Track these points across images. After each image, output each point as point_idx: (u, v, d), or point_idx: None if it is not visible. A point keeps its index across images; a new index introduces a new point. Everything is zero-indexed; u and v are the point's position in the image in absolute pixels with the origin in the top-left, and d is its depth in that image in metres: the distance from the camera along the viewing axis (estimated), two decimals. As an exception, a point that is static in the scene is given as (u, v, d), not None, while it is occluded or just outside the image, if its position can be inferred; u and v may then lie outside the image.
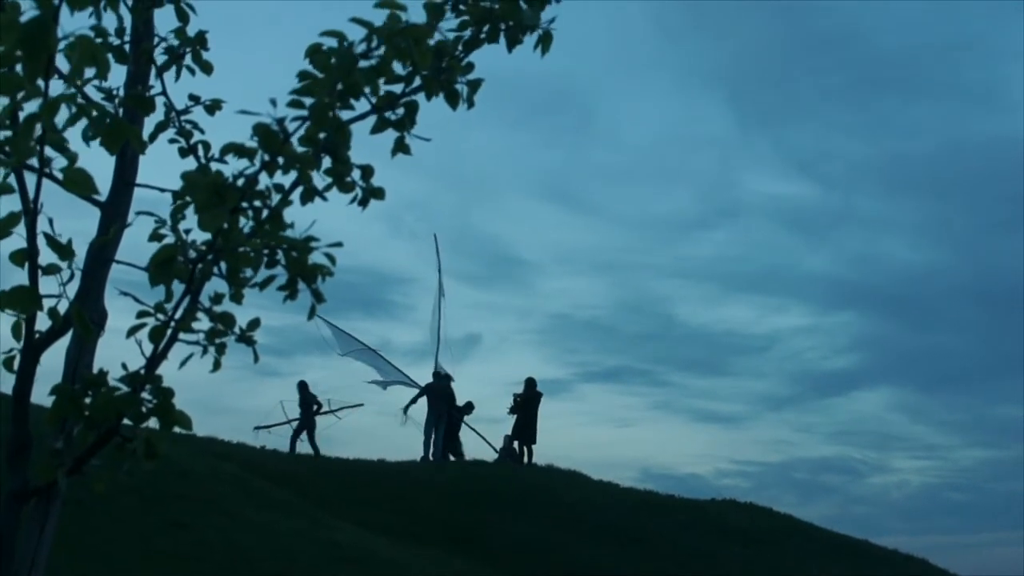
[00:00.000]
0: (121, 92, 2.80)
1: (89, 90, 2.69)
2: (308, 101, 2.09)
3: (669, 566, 17.95)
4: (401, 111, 2.29)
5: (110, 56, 2.75)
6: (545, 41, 2.47)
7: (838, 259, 69.04)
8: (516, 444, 23.74)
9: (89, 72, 1.91)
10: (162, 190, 2.67)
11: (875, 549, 23.93)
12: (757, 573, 18.83)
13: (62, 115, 2.04)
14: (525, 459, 23.61)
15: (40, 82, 1.88)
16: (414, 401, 23.07)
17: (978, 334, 65.70)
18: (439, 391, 22.73)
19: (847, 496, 50.54)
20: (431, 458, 22.79)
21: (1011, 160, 65.41)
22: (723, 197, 71.75)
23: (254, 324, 2.30)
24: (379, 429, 49.82)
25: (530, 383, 23.63)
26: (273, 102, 2.06)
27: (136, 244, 2.42)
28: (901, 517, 50.24)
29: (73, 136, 2.37)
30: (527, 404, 23.34)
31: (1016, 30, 69.62)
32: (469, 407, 24.03)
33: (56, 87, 2.14)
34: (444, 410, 22.62)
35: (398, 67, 2.20)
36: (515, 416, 23.40)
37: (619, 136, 72.81)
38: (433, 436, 22.55)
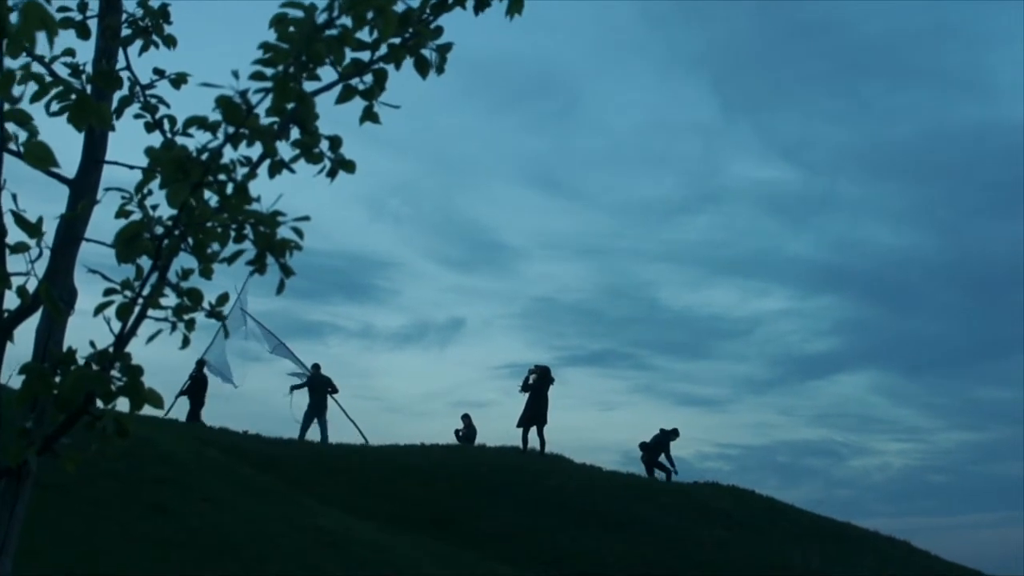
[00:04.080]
0: (89, 68, 2.77)
1: (57, 67, 2.67)
2: (271, 72, 2.06)
3: (651, 549, 18.00)
4: (370, 79, 2.25)
5: (72, 32, 2.72)
6: (515, 3, 2.41)
7: (821, 243, 69.50)
8: (524, 431, 23.69)
9: (44, 47, 1.87)
10: (131, 167, 2.63)
11: (857, 531, 24.08)
12: (739, 556, 18.89)
13: (24, 89, 2.01)
14: (537, 445, 23.55)
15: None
16: (299, 387, 24.81)
17: (960, 318, 66.21)
18: (319, 383, 24.60)
19: (829, 479, 50.91)
20: (324, 436, 24.19)
21: (994, 146, 65.89)
22: (707, 182, 72.14)
23: (223, 299, 2.27)
24: (362, 415, 49.85)
25: (544, 370, 23.68)
26: (236, 74, 2.03)
27: (105, 223, 2.40)
28: (883, 499, 50.60)
29: (41, 113, 2.35)
30: (538, 388, 23.38)
31: (999, 17, 69.89)
32: (675, 433, 26.20)
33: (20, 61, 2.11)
34: (324, 400, 24.52)
35: (364, 34, 2.17)
36: (527, 396, 23.43)
37: (603, 122, 73.05)
38: (317, 422, 24.30)
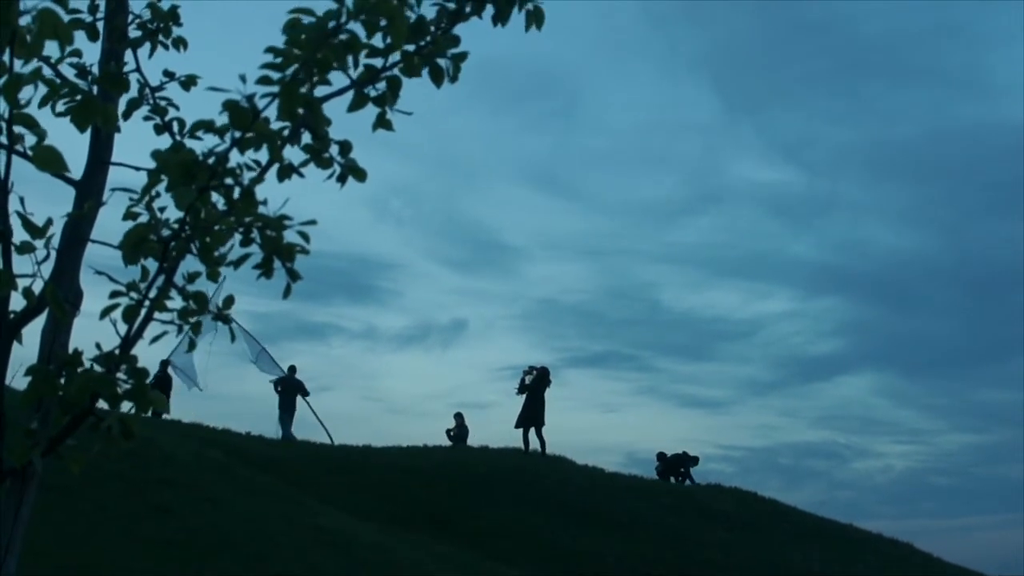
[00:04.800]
0: (96, 70, 2.76)
1: (65, 68, 2.67)
2: (278, 76, 2.05)
3: (653, 550, 18.00)
4: (383, 86, 2.24)
5: (82, 32, 2.71)
6: (536, 18, 2.40)
7: (823, 244, 69.50)
8: (524, 432, 23.66)
9: (52, 47, 1.87)
10: (137, 169, 2.63)
11: (859, 533, 24.06)
12: (741, 557, 18.89)
13: (35, 92, 2.02)
14: (538, 446, 23.50)
15: (5, 57, 1.84)
16: (276, 388, 25.77)
17: (962, 319, 66.20)
18: (291, 386, 25.75)
19: (832, 480, 50.91)
20: (287, 437, 24.87)
21: (995, 146, 65.86)
22: (708, 183, 72.19)
23: (229, 302, 2.27)
24: (364, 415, 49.88)
25: (543, 371, 23.65)
26: (243, 78, 2.03)
27: (112, 224, 2.40)
28: (885, 501, 50.61)
29: (48, 114, 2.35)
30: (535, 389, 23.35)
31: (999, 17, 69.89)
32: (695, 461, 27.39)
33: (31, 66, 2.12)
34: (294, 402, 25.63)
35: (377, 39, 2.16)
36: (524, 398, 23.43)
37: (605, 122, 73.05)
38: (283, 421, 25.43)
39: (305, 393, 25.67)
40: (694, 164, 74.59)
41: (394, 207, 68.08)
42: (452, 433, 26.54)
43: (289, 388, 25.44)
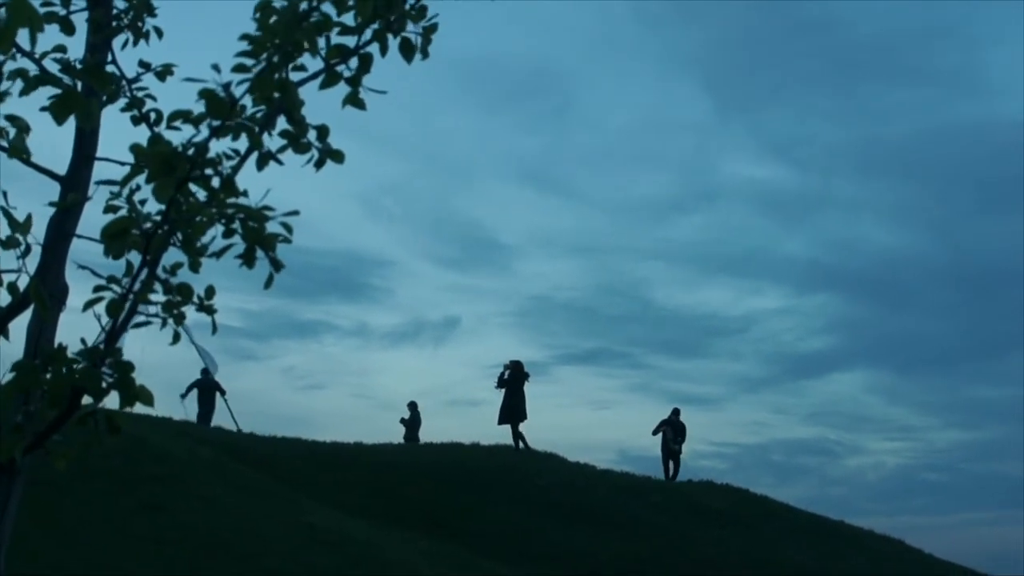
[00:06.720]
0: (79, 65, 2.75)
1: (49, 63, 2.66)
2: (253, 63, 2.06)
3: (645, 548, 18.01)
4: (355, 64, 2.24)
5: (57, 26, 2.70)
6: None
7: (815, 242, 69.46)
8: (512, 428, 23.49)
9: (25, 40, 1.86)
10: (122, 163, 2.63)
11: (851, 530, 24.08)
12: (734, 554, 18.91)
13: (12, 85, 2.02)
14: (519, 442, 23.35)
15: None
16: (188, 390, 26.05)
17: (954, 316, 66.23)
18: (207, 386, 26.21)
19: (823, 477, 50.91)
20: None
21: (990, 144, 65.85)
22: (701, 181, 72.12)
23: (211, 292, 2.27)
24: (355, 412, 49.80)
25: (517, 365, 23.55)
26: (217, 68, 2.03)
27: (98, 219, 2.40)
28: (877, 498, 50.60)
29: (33, 110, 2.35)
30: (513, 383, 23.23)
31: (994, 16, 70.01)
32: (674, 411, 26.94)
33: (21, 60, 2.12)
34: (213, 402, 26.19)
35: (349, 18, 2.16)
36: (503, 393, 23.29)
37: (598, 120, 72.95)
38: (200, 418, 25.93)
39: (223, 392, 26.19)
40: (687, 162, 74.47)
41: (386, 204, 67.94)
42: (406, 421, 26.72)
43: (206, 388, 26.02)
